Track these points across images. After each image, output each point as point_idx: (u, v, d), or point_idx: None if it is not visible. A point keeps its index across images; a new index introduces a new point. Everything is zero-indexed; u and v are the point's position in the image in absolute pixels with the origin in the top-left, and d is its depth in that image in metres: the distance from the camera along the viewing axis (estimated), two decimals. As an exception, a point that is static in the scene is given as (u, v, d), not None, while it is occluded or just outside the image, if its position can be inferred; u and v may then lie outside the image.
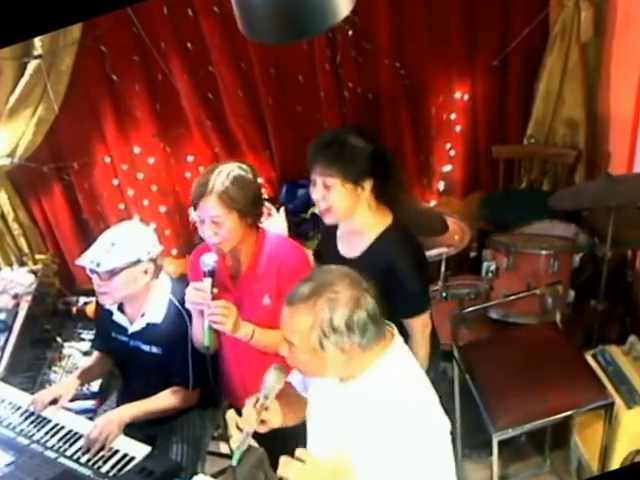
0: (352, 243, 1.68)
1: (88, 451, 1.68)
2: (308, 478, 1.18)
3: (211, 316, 1.56)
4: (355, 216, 1.62)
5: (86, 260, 1.73)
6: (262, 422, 1.32)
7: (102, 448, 1.68)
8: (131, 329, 1.84)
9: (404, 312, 1.64)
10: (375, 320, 1.20)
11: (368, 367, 1.25)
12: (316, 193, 1.59)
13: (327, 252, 1.76)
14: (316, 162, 1.57)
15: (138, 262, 1.74)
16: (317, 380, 1.36)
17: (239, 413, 1.93)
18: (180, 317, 1.78)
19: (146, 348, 1.83)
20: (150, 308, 1.81)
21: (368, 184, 1.58)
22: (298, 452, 1.21)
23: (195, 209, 1.60)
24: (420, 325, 1.67)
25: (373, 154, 1.58)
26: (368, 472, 1.23)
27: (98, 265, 1.71)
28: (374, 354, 1.25)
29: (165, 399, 1.81)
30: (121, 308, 1.86)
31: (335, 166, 1.54)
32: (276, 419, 1.34)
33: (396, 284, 1.59)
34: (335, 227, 1.74)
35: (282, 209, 2.89)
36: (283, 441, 1.46)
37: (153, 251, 1.78)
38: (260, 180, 3.10)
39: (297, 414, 1.40)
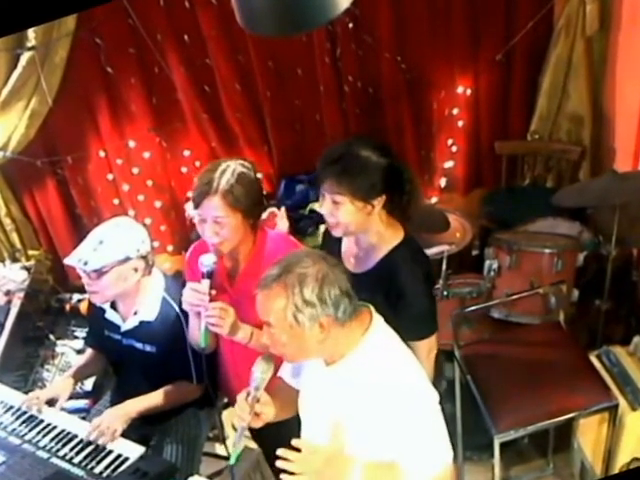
0: (359, 257, 1.61)
1: (89, 444, 1.68)
2: (305, 466, 1.22)
3: (208, 318, 1.53)
4: (365, 231, 1.55)
5: (74, 259, 1.69)
6: (256, 415, 1.34)
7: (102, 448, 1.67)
8: (124, 327, 1.81)
9: (411, 334, 1.54)
10: (347, 294, 1.23)
11: (352, 347, 1.28)
12: (324, 208, 1.51)
13: None
14: (324, 177, 1.48)
15: (127, 260, 1.71)
16: (305, 368, 1.38)
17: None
18: (174, 315, 1.75)
19: (139, 346, 1.80)
20: (143, 306, 1.79)
21: (380, 200, 1.49)
22: (294, 442, 1.24)
23: (197, 208, 1.56)
24: (426, 349, 1.59)
25: (387, 169, 1.48)
26: (362, 450, 1.26)
27: (86, 264, 1.68)
28: (356, 334, 1.28)
29: (170, 393, 1.79)
30: (114, 306, 1.83)
31: (344, 183, 1.45)
32: (269, 411, 1.36)
33: (404, 304, 1.53)
34: (339, 246, 1.66)
35: (283, 208, 2.84)
36: (280, 440, 1.45)
37: (142, 248, 1.74)
38: (259, 176, 3.09)
39: (290, 407, 1.42)
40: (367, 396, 1.25)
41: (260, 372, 1.34)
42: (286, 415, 1.42)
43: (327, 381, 1.32)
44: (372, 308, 1.33)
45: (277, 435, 1.42)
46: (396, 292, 1.52)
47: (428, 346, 1.59)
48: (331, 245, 1.68)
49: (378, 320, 1.32)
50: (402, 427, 1.23)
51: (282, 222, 2.75)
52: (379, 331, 1.30)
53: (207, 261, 1.56)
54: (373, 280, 1.54)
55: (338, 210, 1.48)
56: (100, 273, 1.68)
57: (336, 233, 1.56)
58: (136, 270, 1.74)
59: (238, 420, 1.33)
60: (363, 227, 1.53)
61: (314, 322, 1.21)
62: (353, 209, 1.47)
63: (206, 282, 1.55)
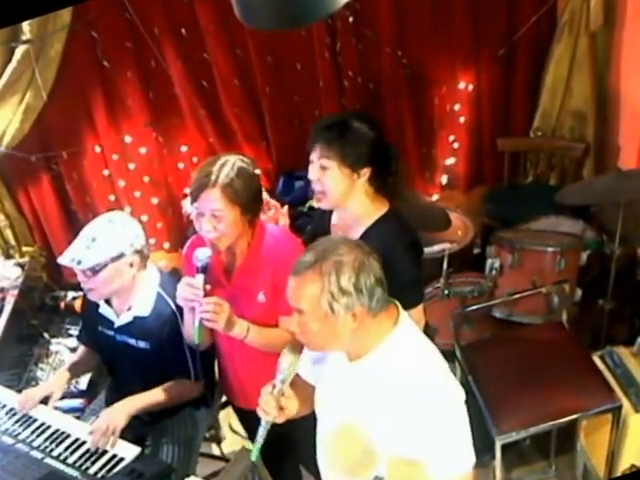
0: (346, 230, 1.66)
1: (84, 444, 1.66)
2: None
3: (203, 313, 1.50)
4: (350, 202, 1.61)
5: (67, 258, 1.67)
6: (280, 410, 1.32)
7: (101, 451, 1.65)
8: (117, 323, 1.79)
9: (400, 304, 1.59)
10: (381, 284, 1.22)
11: (378, 341, 1.25)
12: (312, 173, 1.58)
13: None
14: (316, 142, 1.56)
15: (121, 256, 1.69)
16: (325, 363, 1.36)
17: (237, 412, 1.91)
18: (170, 311, 1.73)
19: (133, 342, 1.78)
20: (137, 301, 1.76)
21: (366, 172, 1.57)
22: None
23: (194, 201, 1.54)
24: (415, 318, 1.62)
25: (375, 141, 1.57)
26: (383, 448, 1.24)
27: (79, 263, 1.66)
28: (384, 327, 1.25)
29: (170, 390, 1.76)
30: (108, 301, 1.81)
31: (334, 148, 1.53)
32: (293, 405, 1.34)
33: (391, 274, 1.55)
34: (329, 219, 1.71)
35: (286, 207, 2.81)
36: (279, 442, 1.44)
37: (137, 242, 1.72)
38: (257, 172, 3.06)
39: (308, 404, 1.41)
40: (393, 392, 1.22)
41: (287, 364, 1.30)
42: (305, 412, 1.40)
43: (350, 377, 1.29)
44: (398, 303, 1.31)
45: (276, 439, 1.39)
46: (382, 262, 1.54)
47: (416, 316, 1.64)
48: (320, 221, 1.72)
49: (404, 315, 1.30)
50: (428, 425, 1.20)
51: (283, 219, 2.72)
52: (406, 326, 1.28)
53: (202, 255, 1.54)
54: None
55: (325, 176, 1.55)
56: (95, 271, 1.66)
57: (323, 205, 1.62)
58: (132, 265, 1.71)
59: (263, 415, 1.30)
60: (348, 196, 1.59)
61: (348, 311, 1.19)
62: (340, 175, 1.55)
63: (200, 277, 1.53)
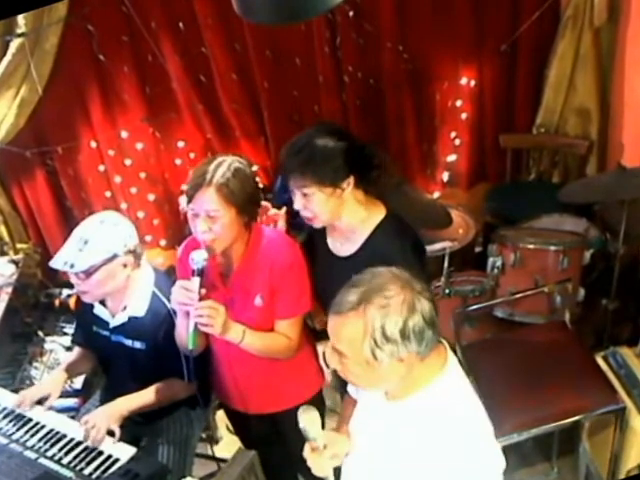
0: (345, 241, 1.61)
1: (79, 444, 1.64)
2: None
3: (198, 317, 1.47)
4: (344, 215, 1.56)
5: (59, 262, 1.65)
6: (333, 458, 1.27)
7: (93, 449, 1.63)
8: (112, 323, 1.77)
9: None
10: (432, 324, 1.11)
11: (421, 387, 1.17)
12: (297, 204, 1.54)
13: (316, 250, 1.68)
14: (289, 172, 1.51)
15: (114, 257, 1.67)
16: (365, 396, 1.30)
17: (231, 414, 1.87)
18: (165, 311, 1.70)
19: (128, 343, 1.76)
20: (132, 301, 1.74)
21: (349, 182, 1.52)
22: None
23: (189, 202, 1.51)
24: None
25: (347, 150, 1.51)
26: None
27: (72, 266, 1.64)
28: (429, 373, 1.17)
29: (162, 390, 1.74)
30: (102, 301, 1.78)
31: (308, 173, 1.47)
32: (341, 445, 1.28)
33: None
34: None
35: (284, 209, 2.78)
36: (276, 446, 1.39)
37: (130, 242, 1.70)
38: (255, 168, 3.04)
39: None
40: (429, 440, 1.14)
41: (306, 424, 1.24)
42: None
43: (386, 416, 1.22)
44: (446, 345, 1.22)
45: (273, 443, 1.37)
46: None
47: None
48: (317, 235, 1.67)
49: (453, 357, 1.21)
50: None
51: (280, 222, 2.70)
52: (454, 370, 1.20)
53: (198, 257, 1.50)
54: (362, 261, 1.52)
55: (310, 202, 1.51)
56: (88, 273, 1.64)
57: (317, 225, 1.57)
58: (125, 266, 1.70)
59: (321, 475, 1.27)
60: (339, 212, 1.55)
61: (393, 358, 1.10)
62: (324, 197, 1.50)
63: (196, 280, 1.49)
